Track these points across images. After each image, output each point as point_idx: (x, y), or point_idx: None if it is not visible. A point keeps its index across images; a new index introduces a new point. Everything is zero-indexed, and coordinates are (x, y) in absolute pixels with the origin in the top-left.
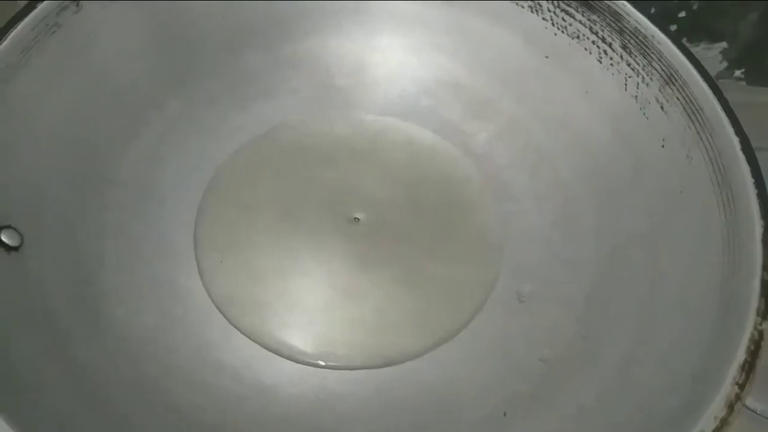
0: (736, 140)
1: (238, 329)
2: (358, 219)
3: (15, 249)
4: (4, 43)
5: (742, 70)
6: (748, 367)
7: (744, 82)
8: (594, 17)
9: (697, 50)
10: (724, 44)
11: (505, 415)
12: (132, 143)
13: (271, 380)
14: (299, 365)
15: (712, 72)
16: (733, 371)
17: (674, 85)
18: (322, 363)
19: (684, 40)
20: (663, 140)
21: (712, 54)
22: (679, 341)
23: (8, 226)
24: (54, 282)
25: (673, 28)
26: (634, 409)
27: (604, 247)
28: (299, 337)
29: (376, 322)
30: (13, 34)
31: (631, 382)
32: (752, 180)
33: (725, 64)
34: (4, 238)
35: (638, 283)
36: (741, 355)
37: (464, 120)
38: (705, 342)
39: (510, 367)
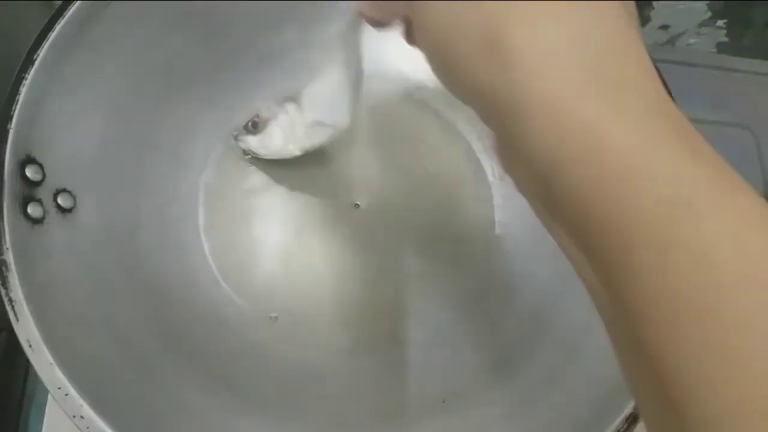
0: None
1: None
2: (359, 205)
3: (69, 211)
4: (66, 17)
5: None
6: None
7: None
8: None
9: None
10: None
11: (444, 402)
12: (170, 113)
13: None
14: None
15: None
16: None
17: None
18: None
19: None
20: None
21: None
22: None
23: (64, 190)
24: (98, 239)
25: None
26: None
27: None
28: None
29: None
30: (73, 8)
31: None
32: None
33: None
34: (60, 201)
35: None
36: None
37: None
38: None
39: (457, 368)
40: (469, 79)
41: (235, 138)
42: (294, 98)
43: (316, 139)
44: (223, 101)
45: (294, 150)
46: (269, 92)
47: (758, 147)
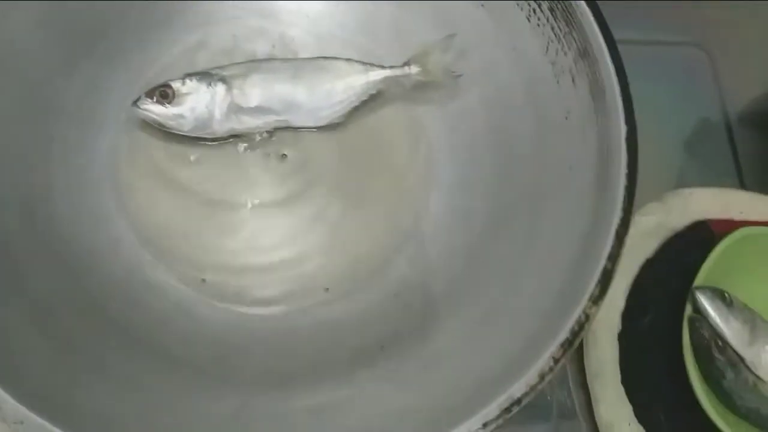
0: (624, 128)
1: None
2: (286, 156)
3: None
4: None
5: None
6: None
7: None
8: None
9: None
10: None
11: (382, 348)
12: (76, 72)
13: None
14: None
15: None
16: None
17: (586, 60)
18: None
19: None
20: (568, 112)
21: None
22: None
23: None
24: (5, 208)
25: None
26: None
27: (498, 203)
28: None
29: None
30: None
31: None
32: (626, 172)
33: None
34: None
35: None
36: None
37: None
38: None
39: (393, 313)
40: None
41: (136, 104)
42: (223, 78)
43: (251, 123)
44: (132, 59)
45: (219, 130)
46: (177, 48)
47: (713, 66)
